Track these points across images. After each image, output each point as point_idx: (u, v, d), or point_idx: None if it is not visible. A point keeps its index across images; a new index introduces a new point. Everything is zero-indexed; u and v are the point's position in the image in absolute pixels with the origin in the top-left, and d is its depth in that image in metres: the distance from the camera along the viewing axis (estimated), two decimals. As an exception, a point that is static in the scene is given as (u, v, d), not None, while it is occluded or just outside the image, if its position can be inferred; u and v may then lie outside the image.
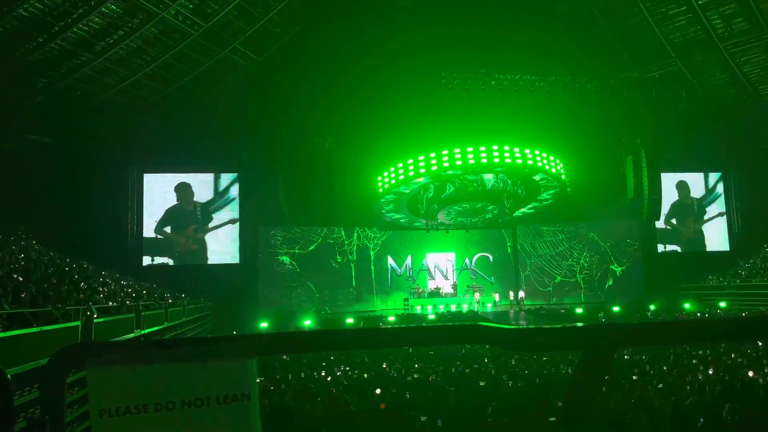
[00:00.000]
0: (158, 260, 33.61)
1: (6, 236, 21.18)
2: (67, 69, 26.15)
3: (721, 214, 39.51)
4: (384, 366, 13.01)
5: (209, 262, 34.61)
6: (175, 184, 34.35)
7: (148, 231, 33.76)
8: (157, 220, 33.91)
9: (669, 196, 38.45)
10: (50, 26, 23.40)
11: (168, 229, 34.09)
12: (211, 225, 34.72)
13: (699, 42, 29.79)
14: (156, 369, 1.09)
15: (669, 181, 38.29)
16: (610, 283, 37.05)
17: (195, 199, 34.61)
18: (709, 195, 39.64)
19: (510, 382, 10.58)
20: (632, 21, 29.91)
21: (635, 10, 28.76)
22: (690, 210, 39.34)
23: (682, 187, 39.31)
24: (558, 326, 1.02)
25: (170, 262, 33.94)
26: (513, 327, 1.07)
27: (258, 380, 1.15)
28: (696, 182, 39.76)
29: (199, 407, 1.11)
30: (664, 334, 1.04)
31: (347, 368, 12.79)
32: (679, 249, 39.08)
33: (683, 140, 36.35)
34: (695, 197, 39.48)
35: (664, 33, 29.64)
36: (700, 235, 39.34)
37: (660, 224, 38.43)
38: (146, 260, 33.49)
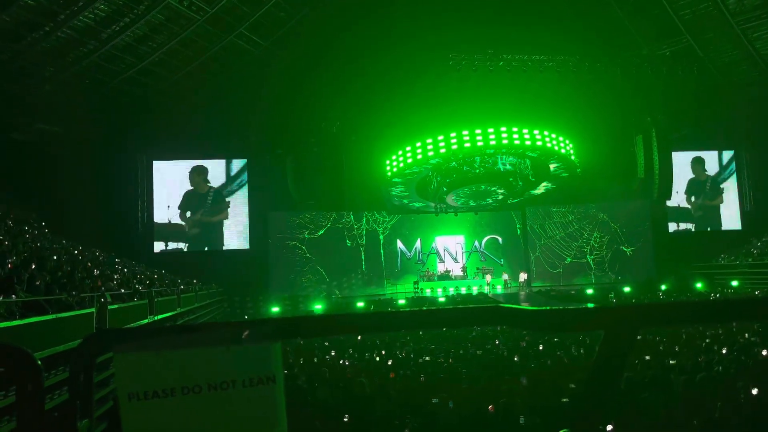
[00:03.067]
0: (171, 246, 33.85)
1: (19, 225, 21.37)
2: (74, 57, 26.15)
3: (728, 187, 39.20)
4: (398, 353, 13.08)
5: (224, 246, 34.80)
6: (191, 167, 34.60)
7: (159, 217, 33.97)
8: (179, 205, 34.18)
9: (685, 173, 38.26)
10: (56, 14, 23.35)
11: (188, 213, 34.40)
12: (225, 209, 34.98)
13: (710, 18, 29.33)
14: (182, 353, 1.11)
15: (684, 159, 38.03)
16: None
17: (210, 184, 34.79)
18: (723, 172, 39.24)
19: (518, 360, 10.63)
20: (642, -2, 29.51)
21: (645, -14, 28.37)
22: (703, 187, 38.97)
23: (697, 162, 38.92)
24: (581, 307, 1.02)
25: (184, 247, 34.15)
26: (534, 308, 1.07)
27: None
28: (710, 159, 39.36)
29: (225, 390, 1.12)
30: (687, 314, 1.04)
31: (356, 352, 12.88)
32: (692, 227, 38.74)
33: (694, 118, 35.94)
34: (710, 174, 39.08)
35: (675, 9, 29.20)
36: (715, 212, 38.93)
37: (675, 203, 38.14)
38: (159, 246, 33.77)
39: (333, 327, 1.22)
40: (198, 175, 34.62)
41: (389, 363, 11.14)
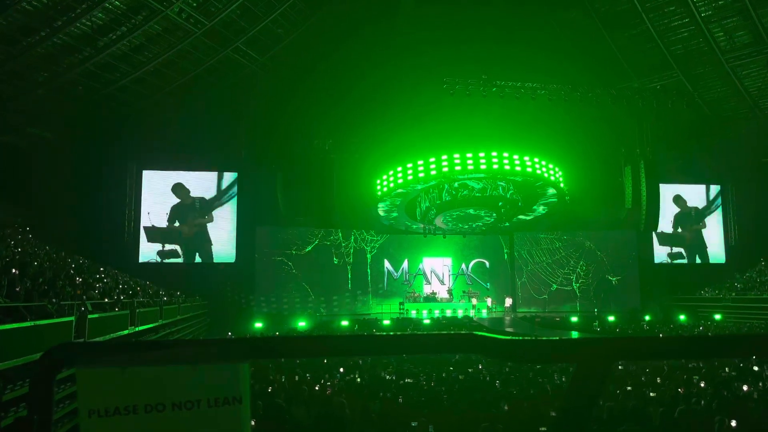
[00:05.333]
0: (168, 247, 33.65)
1: (2, 229, 21.13)
2: (69, 64, 26.11)
3: (715, 207, 39.81)
4: (381, 373, 12.97)
5: (214, 257, 34.51)
6: (171, 185, 34.49)
7: (146, 224, 33.70)
8: (168, 218, 34.03)
9: (671, 207, 38.82)
10: (53, 20, 23.37)
11: (176, 224, 34.19)
12: (207, 216, 34.81)
13: (701, 54, 29.91)
14: (146, 370, 1.08)
15: (667, 194, 38.54)
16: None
17: (192, 194, 34.63)
18: (710, 206, 39.78)
19: (499, 387, 10.57)
20: (634, 31, 30.02)
21: (638, 20, 28.87)
22: (690, 218, 39.47)
23: (678, 199, 39.46)
24: (554, 339, 1.01)
25: (178, 249, 33.93)
26: (508, 338, 1.06)
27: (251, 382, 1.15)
28: (696, 194, 39.84)
29: (190, 410, 1.10)
30: (659, 349, 1.04)
31: (341, 369, 12.76)
32: (683, 252, 39.08)
33: (682, 151, 36.45)
34: (693, 206, 39.61)
35: (667, 44, 29.76)
36: (699, 236, 39.35)
37: (667, 230, 38.59)
38: (153, 247, 33.49)
39: (305, 349, 1.20)
40: (180, 190, 34.55)
41: (357, 382, 11.04)
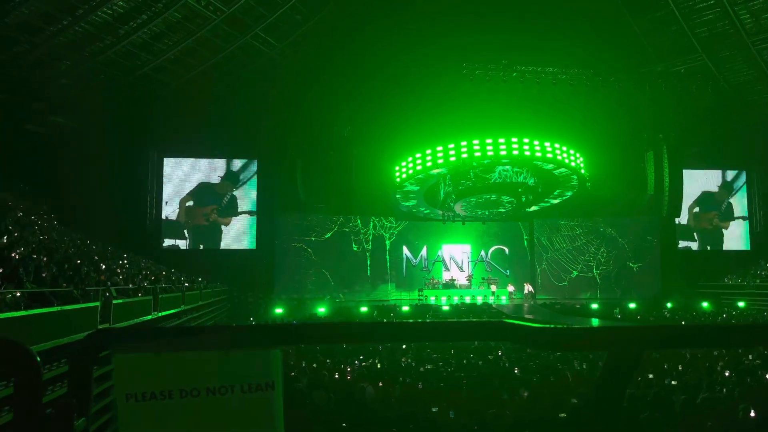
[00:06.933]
0: (168, 242, 33.94)
1: (29, 216, 21.51)
2: (90, 52, 26.34)
3: (743, 218, 38.82)
4: (403, 359, 13.04)
5: (221, 246, 34.76)
6: (225, 171, 34.96)
7: (167, 214, 34.04)
8: (189, 191, 34.25)
9: (706, 186, 38.18)
10: (74, 9, 23.56)
11: (191, 203, 34.43)
12: (231, 215, 34.99)
13: (726, 37, 29.23)
14: (182, 356, 1.10)
15: (709, 177, 37.91)
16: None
17: (233, 190, 34.99)
18: (732, 191, 38.98)
19: (519, 374, 10.57)
20: (658, 14, 29.41)
21: (661, 2, 28.28)
22: (718, 206, 38.69)
23: (725, 186, 38.71)
24: (585, 326, 1.01)
25: (181, 244, 34.22)
26: (539, 325, 1.06)
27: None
28: (717, 179, 39.16)
29: (224, 395, 1.12)
30: (691, 337, 1.03)
31: (361, 356, 12.86)
32: (695, 245, 38.47)
33: (707, 136, 35.77)
34: (728, 198, 38.79)
35: (691, 27, 29.13)
36: (718, 231, 38.67)
37: (681, 219, 37.94)
38: (168, 242, 33.93)
39: (334, 335, 1.21)
40: (227, 177, 34.83)
41: (377, 368, 11.11)
